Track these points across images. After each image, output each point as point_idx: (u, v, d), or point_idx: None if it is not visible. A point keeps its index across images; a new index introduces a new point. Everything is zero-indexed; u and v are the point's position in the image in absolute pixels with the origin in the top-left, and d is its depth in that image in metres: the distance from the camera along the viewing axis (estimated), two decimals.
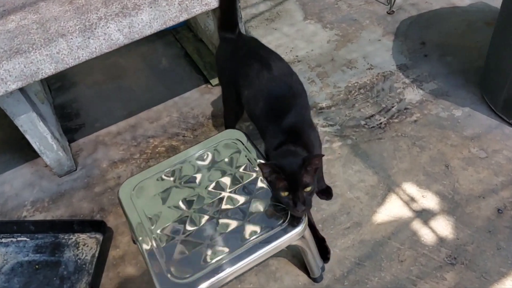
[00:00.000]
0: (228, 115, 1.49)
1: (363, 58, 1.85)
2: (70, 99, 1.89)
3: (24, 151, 1.67)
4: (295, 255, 1.26)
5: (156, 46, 2.10)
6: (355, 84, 1.75)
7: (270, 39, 2.01)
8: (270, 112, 1.13)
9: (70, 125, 1.78)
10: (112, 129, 1.74)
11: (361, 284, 1.20)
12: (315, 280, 1.22)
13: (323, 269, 1.22)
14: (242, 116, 1.41)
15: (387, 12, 2.06)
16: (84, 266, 1.25)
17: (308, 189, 0.97)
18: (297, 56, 1.91)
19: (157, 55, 2.06)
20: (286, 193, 0.97)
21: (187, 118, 1.74)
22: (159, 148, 1.64)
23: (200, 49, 2.00)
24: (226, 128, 1.56)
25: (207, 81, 1.87)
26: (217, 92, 1.82)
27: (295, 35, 2.02)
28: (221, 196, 1.07)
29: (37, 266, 1.25)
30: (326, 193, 1.38)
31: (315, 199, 1.37)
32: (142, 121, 1.75)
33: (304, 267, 1.24)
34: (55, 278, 1.22)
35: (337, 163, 1.48)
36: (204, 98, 1.81)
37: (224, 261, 0.95)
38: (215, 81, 1.85)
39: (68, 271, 1.23)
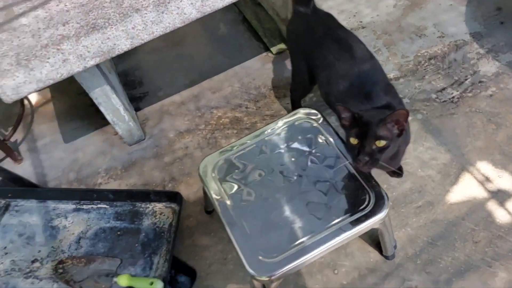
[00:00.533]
0: (296, 89, 1.47)
1: (433, 25, 1.76)
2: (132, 66, 1.91)
3: (93, 118, 1.72)
4: (366, 232, 1.27)
5: None
6: (425, 54, 1.67)
7: (332, 4, 1.93)
8: (352, 96, 1.10)
9: (135, 93, 1.80)
10: (176, 98, 1.75)
11: (434, 263, 1.21)
12: (387, 257, 1.23)
13: (395, 247, 1.23)
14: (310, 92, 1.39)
15: None
16: (162, 234, 1.30)
17: (381, 143, 0.92)
18: (361, 22, 1.83)
19: (214, 20, 2.02)
20: (356, 141, 0.95)
21: (248, 89, 1.73)
22: (223, 120, 1.65)
23: (259, 15, 1.95)
24: (292, 101, 1.55)
25: (267, 49, 1.84)
26: (278, 61, 1.79)
27: (359, 1, 1.93)
28: (301, 177, 1.08)
29: (119, 233, 1.32)
30: (397, 171, 1.36)
31: (386, 177, 1.36)
32: (205, 91, 1.76)
33: (375, 244, 1.25)
34: (136, 245, 1.29)
35: None
36: (265, 68, 1.78)
37: (308, 243, 0.97)
38: (275, 49, 1.82)
39: (148, 238, 1.29)
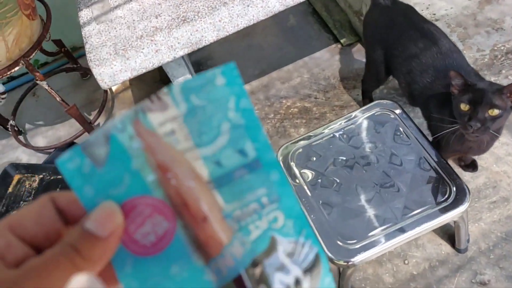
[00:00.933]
0: (369, 80, 1.49)
1: (511, 19, 1.71)
2: (204, 56, 2.00)
3: None
4: None
5: None
6: (502, 48, 1.64)
7: None
8: (439, 87, 1.12)
9: None
10: (246, 88, 1.82)
11: (508, 259, 1.21)
12: (459, 250, 1.25)
13: (468, 240, 1.25)
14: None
15: None
16: None
17: (494, 112, 0.94)
18: (434, 14, 1.82)
19: (284, 12, 2.06)
20: (467, 107, 0.96)
21: (318, 80, 1.77)
22: (292, 109, 1.70)
23: (329, 6, 1.98)
24: (363, 92, 1.57)
25: (337, 41, 1.86)
26: (348, 52, 1.81)
27: None
28: (379, 167, 1.11)
29: None
30: (471, 165, 1.36)
31: (460, 170, 1.37)
32: (274, 81, 1.81)
33: (447, 237, 1.27)
34: None
35: None
36: (334, 59, 1.81)
37: (386, 233, 1.01)
38: (345, 41, 1.84)
39: None
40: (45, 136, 1.87)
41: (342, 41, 1.85)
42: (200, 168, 0.27)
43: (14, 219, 0.26)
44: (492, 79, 1.56)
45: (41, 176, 1.60)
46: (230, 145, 0.27)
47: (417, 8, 1.85)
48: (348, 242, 1.01)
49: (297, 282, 0.29)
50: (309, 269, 0.29)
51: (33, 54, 1.43)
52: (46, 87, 1.50)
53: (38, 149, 1.80)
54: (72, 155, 0.25)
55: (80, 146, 0.25)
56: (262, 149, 0.28)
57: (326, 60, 1.82)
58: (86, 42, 1.27)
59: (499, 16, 1.74)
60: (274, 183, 0.28)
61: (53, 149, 1.74)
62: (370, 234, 1.01)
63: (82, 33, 1.30)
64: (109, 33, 1.29)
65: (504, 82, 1.54)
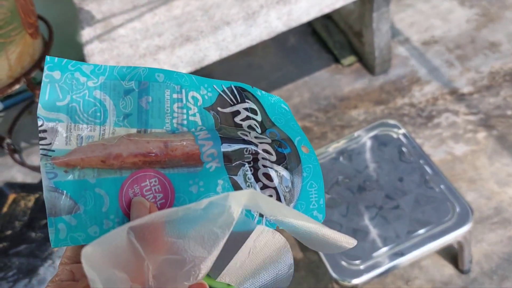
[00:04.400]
0: None
1: (507, 41, 1.74)
2: (204, 74, 1.98)
3: None
4: None
5: None
6: (499, 70, 1.66)
7: (403, 16, 1.95)
8: None
9: None
10: None
11: (511, 279, 1.20)
12: (462, 271, 1.24)
13: (470, 261, 1.24)
14: None
15: None
16: None
17: None
18: (433, 36, 1.84)
19: (284, 32, 2.08)
20: None
21: (318, 99, 1.78)
22: None
23: (329, 27, 2.00)
24: None
25: (337, 61, 1.88)
26: (348, 73, 1.83)
27: (429, 13, 1.94)
28: (382, 187, 1.11)
29: None
30: None
31: (462, 191, 1.37)
32: None
33: (450, 258, 1.26)
34: None
35: (482, 155, 1.44)
36: (335, 79, 1.83)
37: (391, 253, 1.00)
38: (346, 61, 1.86)
39: None
40: None
41: (342, 61, 1.86)
42: (124, 132, 0.30)
43: None
44: (491, 100, 1.57)
45: (36, 195, 1.58)
46: (116, 99, 0.30)
47: (415, 30, 1.89)
48: (353, 262, 1.00)
49: (249, 109, 0.35)
50: (244, 97, 0.36)
51: (34, 72, 1.43)
52: None
53: (33, 168, 1.78)
54: (52, 228, 0.27)
55: (49, 218, 0.27)
56: (133, 74, 0.31)
57: (327, 80, 1.83)
58: (89, 60, 1.28)
59: (496, 38, 1.77)
60: (166, 81, 0.33)
61: None
62: (375, 254, 1.00)
63: (84, 52, 1.31)
64: (112, 51, 1.29)
65: (503, 104, 1.56)
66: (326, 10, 1.34)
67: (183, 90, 0.32)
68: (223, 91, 0.35)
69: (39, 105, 0.28)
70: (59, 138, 0.28)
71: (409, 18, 1.94)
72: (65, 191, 0.27)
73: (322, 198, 0.34)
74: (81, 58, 1.32)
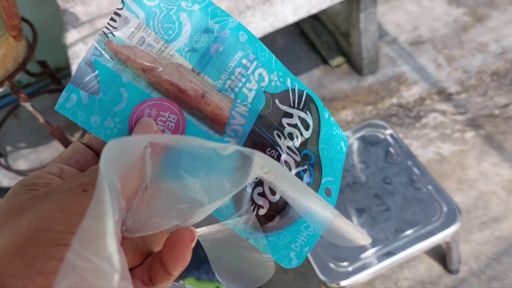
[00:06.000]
0: None
1: (494, 42, 1.75)
2: None
3: None
4: None
5: None
6: (487, 70, 1.67)
7: (390, 18, 1.95)
8: None
9: None
10: None
11: (499, 279, 1.20)
12: (451, 272, 1.24)
13: (459, 261, 1.24)
14: None
15: None
16: None
17: None
18: (420, 36, 1.85)
19: (272, 33, 2.08)
20: None
21: None
22: None
23: (316, 28, 2.00)
24: None
25: (325, 62, 1.88)
26: (336, 74, 1.83)
27: (415, 15, 1.95)
28: (370, 188, 1.10)
29: None
30: None
31: (450, 191, 1.37)
32: None
33: (439, 258, 1.26)
34: (199, 250, 1.35)
35: (470, 154, 1.45)
36: (323, 79, 1.82)
37: (379, 254, 1.00)
38: (334, 62, 1.85)
39: None
40: (27, 159, 1.83)
41: (330, 62, 1.86)
42: (180, 60, 0.29)
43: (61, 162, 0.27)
44: (479, 99, 1.58)
45: None
46: (195, 30, 0.30)
47: (403, 30, 1.90)
48: (341, 264, 0.99)
49: (302, 120, 0.32)
50: (307, 107, 0.33)
51: (18, 75, 1.41)
52: (30, 109, 1.47)
53: (20, 173, 1.75)
54: (66, 94, 0.27)
55: (70, 83, 0.27)
56: (222, 20, 0.30)
57: (315, 81, 1.83)
58: (73, 63, 1.26)
59: (483, 38, 1.77)
60: (246, 43, 0.31)
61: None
62: (363, 256, 1.00)
63: (69, 54, 1.29)
64: None
65: (490, 103, 1.56)
66: (313, 10, 1.33)
67: (255, 62, 0.31)
68: (293, 89, 0.33)
69: None
70: (126, 29, 0.28)
71: (396, 19, 1.94)
72: (98, 72, 0.28)
73: (310, 246, 0.31)
74: (66, 60, 1.30)
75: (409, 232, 1.01)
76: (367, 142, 1.18)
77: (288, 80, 0.33)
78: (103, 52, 0.28)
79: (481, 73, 1.66)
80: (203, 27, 0.30)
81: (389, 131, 1.19)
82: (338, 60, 1.84)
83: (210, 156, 0.24)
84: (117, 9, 0.28)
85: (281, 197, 0.30)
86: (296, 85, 0.33)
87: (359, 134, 1.20)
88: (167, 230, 0.25)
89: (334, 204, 0.33)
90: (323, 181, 0.33)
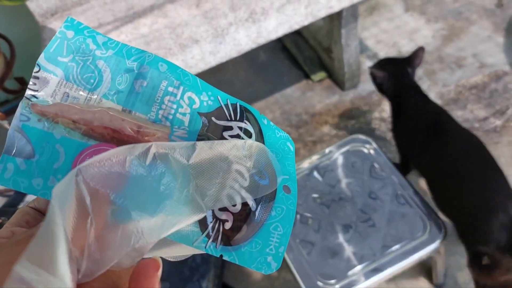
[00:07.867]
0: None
1: (472, 56, 1.79)
2: None
3: None
4: None
5: None
6: (465, 84, 1.70)
7: (368, 35, 1.98)
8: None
9: None
10: None
11: None
12: (437, 285, 1.24)
13: (445, 275, 1.24)
14: None
15: (495, 6, 1.97)
16: (210, 258, 1.33)
17: None
18: (400, 52, 1.88)
19: (255, 48, 2.09)
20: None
21: (289, 116, 1.77)
22: None
23: (298, 43, 2.01)
24: None
25: (307, 77, 1.89)
26: (319, 88, 1.84)
27: (395, 30, 1.98)
28: (356, 203, 1.10)
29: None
30: None
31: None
32: None
33: (424, 272, 1.26)
34: (184, 269, 1.32)
35: None
36: (306, 95, 1.83)
37: (366, 271, 0.99)
38: (316, 77, 1.87)
39: (196, 263, 1.32)
40: None
41: (313, 77, 1.87)
42: (108, 105, 0.30)
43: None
44: (459, 113, 1.61)
45: (0, 220, 1.50)
46: (115, 73, 0.30)
47: (382, 47, 1.93)
48: (328, 282, 0.98)
49: (244, 130, 0.32)
50: (245, 118, 0.33)
51: None
52: (7, 126, 1.43)
53: None
54: (2, 165, 0.27)
55: (3, 154, 0.27)
56: (139, 57, 0.31)
57: (298, 96, 1.83)
58: None
59: (462, 53, 1.81)
60: (167, 72, 0.31)
61: (13, 192, 1.64)
62: (350, 273, 0.99)
63: None
64: None
65: (470, 117, 1.59)
66: (296, 26, 1.34)
67: (181, 87, 0.32)
68: (226, 105, 0.33)
69: (42, 54, 0.29)
70: (47, 89, 0.29)
71: (375, 37, 1.97)
72: (28, 136, 0.28)
73: (284, 246, 0.31)
74: None
75: (395, 247, 1.01)
76: (352, 157, 1.19)
77: (219, 97, 0.33)
78: (29, 116, 0.28)
79: (460, 86, 1.70)
80: (122, 68, 0.31)
81: (373, 146, 1.19)
82: (320, 75, 1.86)
83: (138, 170, 0.25)
84: (34, 72, 0.29)
85: (242, 205, 0.30)
86: (228, 100, 0.33)
87: (343, 149, 1.20)
88: (125, 261, 0.24)
89: (295, 199, 0.33)
90: (279, 179, 0.33)
